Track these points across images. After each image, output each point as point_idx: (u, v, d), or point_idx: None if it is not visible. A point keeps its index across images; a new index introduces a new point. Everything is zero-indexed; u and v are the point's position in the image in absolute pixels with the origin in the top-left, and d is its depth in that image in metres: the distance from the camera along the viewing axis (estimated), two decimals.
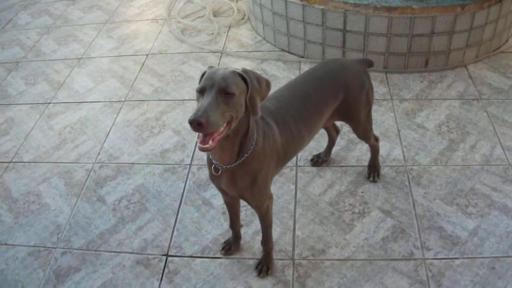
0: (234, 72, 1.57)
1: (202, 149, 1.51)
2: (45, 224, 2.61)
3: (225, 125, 1.52)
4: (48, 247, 2.49)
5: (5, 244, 2.55)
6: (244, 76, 1.58)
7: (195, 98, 1.69)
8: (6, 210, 2.75)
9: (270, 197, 1.94)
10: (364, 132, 2.28)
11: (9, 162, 3.07)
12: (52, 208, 2.70)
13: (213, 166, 1.77)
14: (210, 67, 1.64)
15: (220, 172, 1.76)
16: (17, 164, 3.04)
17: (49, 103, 3.52)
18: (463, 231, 2.26)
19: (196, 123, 1.42)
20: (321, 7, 3.11)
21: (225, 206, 2.20)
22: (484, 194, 2.41)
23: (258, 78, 1.63)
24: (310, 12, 3.19)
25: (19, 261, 2.46)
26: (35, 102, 3.56)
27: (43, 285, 2.32)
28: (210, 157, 1.76)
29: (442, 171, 2.55)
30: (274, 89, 3.18)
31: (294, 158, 2.69)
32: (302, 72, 3.32)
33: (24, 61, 4.09)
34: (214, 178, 1.83)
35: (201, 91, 1.53)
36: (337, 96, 2.03)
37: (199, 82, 1.60)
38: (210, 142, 1.50)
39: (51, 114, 3.41)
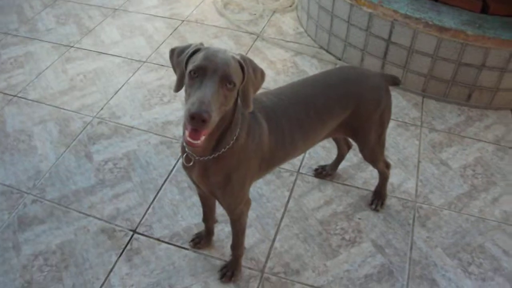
0: (235, 58, 1.36)
1: (192, 145, 1.29)
2: (26, 167, 2.50)
3: None
4: (22, 191, 2.37)
5: None
6: (242, 64, 1.37)
7: (175, 72, 1.48)
8: None
9: (247, 202, 1.73)
10: (372, 154, 2.03)
11: (14, 96, 2.97)
12: (38, 152, 2.58)
13: (185, 154, 1.57)
14: (201, 44, 1.42)
15: (192, 163, 1.56)
16: (21, 100, 2.94)
17: (71, 46, 3.40)
18: None
19: (200, 119, 1.19)
20: (369, 10, 2.85)
21: None
22: (493, 256, 2.13)
23: (255, 68, 1.43)
24: (357, 14, 2.94)
25: None
26: (58, 43, 3.44)
27: (4, 228, 2.20)
28: (184, 144, 1.53)
29: (454, 218, 2.28)
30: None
31: (297, 163, 2.48)
32: None
33: (62, 0, 3.98)
34: (186, 168, 1.63)
35: (198, 72, 1.29)
36: (346, 108, 1.79)
37: (187, 56, 1.39)
38: (202, 138, 1.29)
39: (70, 57, 3.29)
